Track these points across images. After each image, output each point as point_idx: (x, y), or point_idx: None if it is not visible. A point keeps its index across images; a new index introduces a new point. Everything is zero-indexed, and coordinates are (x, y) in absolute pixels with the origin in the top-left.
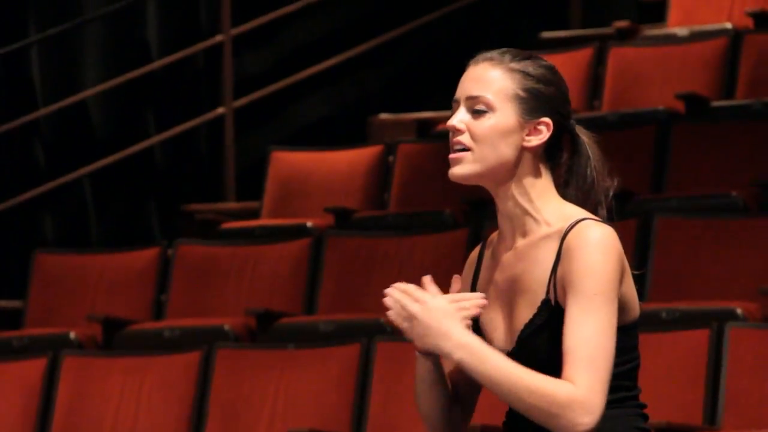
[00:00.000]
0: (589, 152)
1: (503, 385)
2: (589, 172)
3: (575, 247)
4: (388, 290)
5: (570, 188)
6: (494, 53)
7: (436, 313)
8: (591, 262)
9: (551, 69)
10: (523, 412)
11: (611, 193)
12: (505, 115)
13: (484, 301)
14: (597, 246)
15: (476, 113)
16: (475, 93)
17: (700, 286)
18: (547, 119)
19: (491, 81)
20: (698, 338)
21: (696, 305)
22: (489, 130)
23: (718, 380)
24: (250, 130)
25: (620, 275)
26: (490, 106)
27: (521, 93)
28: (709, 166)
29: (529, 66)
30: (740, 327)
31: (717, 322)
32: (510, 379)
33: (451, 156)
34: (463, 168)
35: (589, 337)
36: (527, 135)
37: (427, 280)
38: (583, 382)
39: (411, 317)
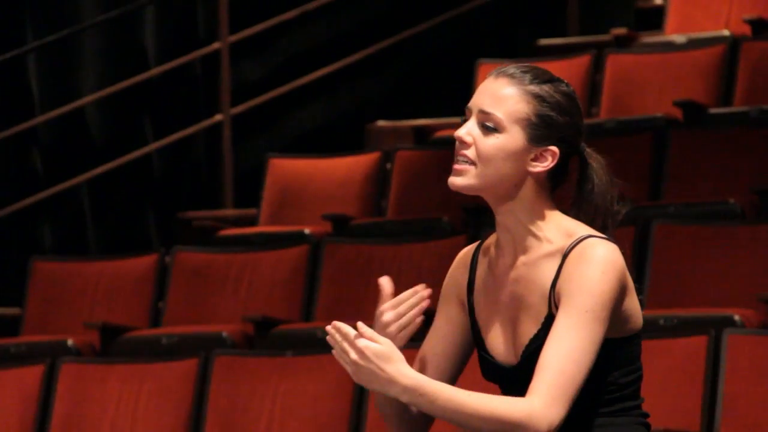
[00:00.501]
0: (595, 178)
1: (457, 418)
2: (593, 198)
3: (576, 263)
4: (328, 328)
5: (576, 210)
6: (517, 70)
7: (377, 360)
8: (588, 278)
9: (569, 96)
10: None
11: (619, 219)
12: (513, 137)
13: (428, 290)
14: (597, 264)
15: (485, 129)
16: (487, 109)
17: (698, 292)
18: (554, 148)
19: (506, 100)
20: (696, 345)
21: (694, 312)
22: (494, 150)
23: (715, 386)
24: (247, 138)
25: (619, 294)
26: (500, 125)
27: (533, 118)
28: (706, 173)
29: (547, 91)
30: (738, 334)
31: (715, 328)
32: (464, 411)
33: (456, 166)
34: (463, 180)
35: (566, 352)
36: (532, 160)
37: (360, 326)
38: (542, 394)
39: (353, 363)
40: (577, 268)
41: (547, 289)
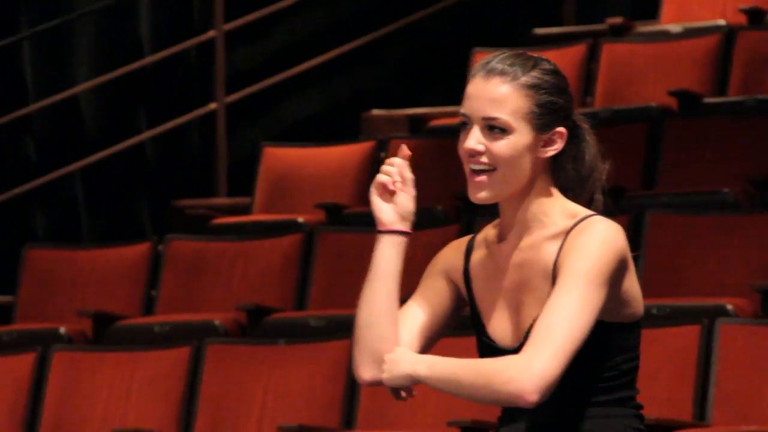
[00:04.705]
0: (588, 138)
1: (454, 380)
2: (588, 158)
3: (576, 236)
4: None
5: (569, 173)
6: (503, 64)
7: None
8: (585, 245)
9: (556, 73)
10: (480, 399)
11: (604, 176)
12: (522, 133)
13: (406, 151)
14: (597, 236)
15: (493, 134)
16: (491, 114)
17: (692, 282)
18: (561, 129)
19: (506, 100)
20: (689, 334)
21: (687, 301)
22: (510, 150)
23: (708, 376)
24: (241, 126)
25: (617, 268)
26: (508, 126)
27: (536, 109)
28: (701, 163)
29: (538, 77)
30: (731, 323)
31: (708, 318)
32: (461, 371)
33: (477, 179)
34: (488, 192)
35: (558, 310)
36: (542, 146)
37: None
38: (533, 348)
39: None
40: (577, 239)
41: (550, 269)
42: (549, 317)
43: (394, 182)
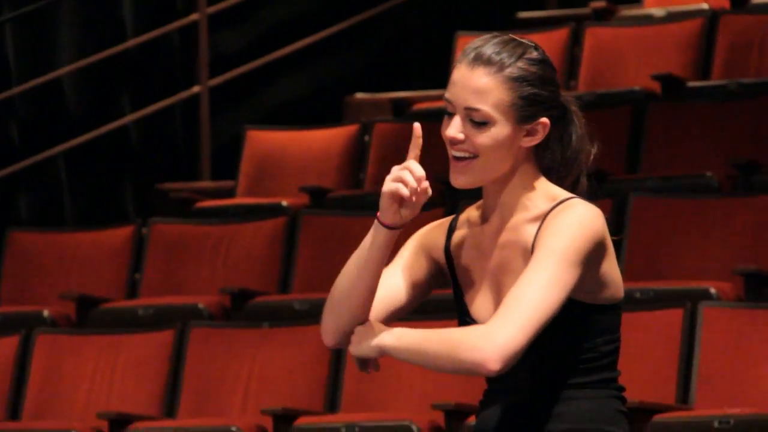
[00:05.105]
0: (576, 120)
1: (422, 350)
2: (574, 141)
3: (553, 217)
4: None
5: (555, 155)
6: (490, 51)
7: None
8: (563, 227)
9: (543, 62)
10: (445, 368)
11: (591, 157)
12: (504, 125)
13: (419, 131)
14: (575, 217)
15: (475, 123)
16: (473, 105)
17: (675, 265)
18: (544, 120)
19: (488, 92)
20: (672, 318)
21: (670, 285)
22: (491, 141)
23: (691, 359)
24: (225, 109)
25: (594, 249)
26: (489, 117)
27: (518, 102)
28: (684, 147)
29: (524, 68)
30: (714, 306)
31: (691, 301)
32: (427, 341)
33: (457, 164)
34: (467, 177)
35: (527, 284)
36: (525, 136)
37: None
38: (498, 318)
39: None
40: (554, 219)
41: (529, 250)
42: (518, 290)
43: (411, 197)
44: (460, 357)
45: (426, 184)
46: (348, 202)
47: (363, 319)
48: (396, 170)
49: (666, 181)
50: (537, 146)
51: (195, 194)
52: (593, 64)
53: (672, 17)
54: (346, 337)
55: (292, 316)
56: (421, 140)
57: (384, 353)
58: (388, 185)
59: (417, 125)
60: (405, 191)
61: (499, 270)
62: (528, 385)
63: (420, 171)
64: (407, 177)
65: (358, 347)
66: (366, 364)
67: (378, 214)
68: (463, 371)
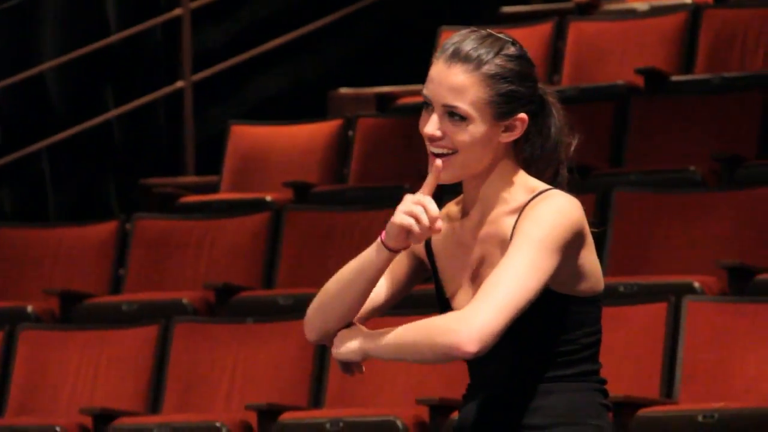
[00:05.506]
0: (555, 112)
1: (402, 342)
2: (553, 133)
3: (532, 208)
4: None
5: (535, 148)
6: (468, 47)
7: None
8: (541, 216)
9: (521, 58)
10: (424, 357)
11: (572, 149)
12: (482, 122)
13: (440, 164)
14: (553, 206)
15: (453, 120)
16: (451, 102)
17: (659, 260)
18: (522, 115)
19: (466, 90)
20: (656, 312)
21: (654, 279)
22: (470, 138)
23: (675, 354)
24: (209, 104)
25: (572, 241)
26: (467, 114)
27: (496, 98)
28: (668, 141)
29: (501, 65)
30: (698, 301)
31: (675, 295)
32: (406, 332)
33: (437, 161)
34: (446, 173)
35: (506, 271)
36: (504, 132)
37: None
38: (473, 303)
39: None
40: (532, 210)
41: (507, 242)
42: (495, 276)
43: (421, 234)
44: (437, 341)
45: (440, 224)
46: (332, 197)
47: (349, 323)
48: (410, 202)
49: (649, 176)
50: (516, 140)
51: (179, 189)
52: (577, 58)
53: (655, 11)
54: (330, 337)
55: (276, 311)
56: (441, 176)
57: (367, 356)
58: (401, 218)
59: (439, 162)
60: (416, 229)
61: (480, 263)
62: (507, 379)
63: (435, 210)
64: (422, 216)
65: (340, 351)
66: (349, 366)
67: (383, 235)
68: (441, 356)
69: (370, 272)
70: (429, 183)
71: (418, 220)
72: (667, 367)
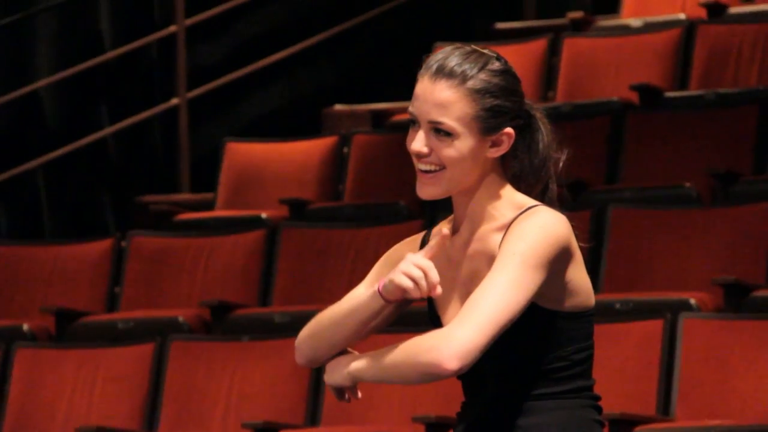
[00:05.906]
0: (542, 128)
1: (388, 364)
2: (541, 148)
3: (518, 224)
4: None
5: (523, 163)
6: (452, 63)
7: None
8: (525, 232)
9: (505, 73)
10: (408, 376)
11: (560, 165)
12: (468, 137)
13: (447, 231)
14: (538, 222)
15: (439, 137)
16: (436, 118)
17: (654, 276)
18: (509, 130)
19: (451, 106)
20: (652, 329)
21: (650, 296)
22: (456, 153)
23: (671, 371)
24: (204, 122)
25: (557, 257)
26: (453, 131)
27: (482, 113)
28: (662, 157)
29: (486, 80)
30: (694, 317)
31: (671, 312)
32: (393, 353)
33: (424, 177)
34: (434, 189)
35: (489, 288)
36: (491, 147)
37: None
38: (456, 321)
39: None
40: (518, 225)
41: (494, 259)
42: (478, 293)
43: (419, 297)
44: (419, 360)
45: (439, 290)
46: (328, 214)
47: (340, 352)
48: (412, 265)
49: (645, 192)
50: (504, 155)
51: (174, 207)
52: (571, 74)
53: (649, 27)
54: (319, 363)
55: (272, 329)
56: (447, 241)
57: (357, 380)
58: (401, 280)
59: (446, 231)
60: (416, 294)
61: (469, 280)
62: (500, 397)
63: (435, 277)
64: (421, 282)
65: (332, 377)
66: (342, 392)
67: (380, 286)
68: (424, 376)
69: (363, 315)
70: (432, 247)
71: (416, 283)
72: (664, 384)
